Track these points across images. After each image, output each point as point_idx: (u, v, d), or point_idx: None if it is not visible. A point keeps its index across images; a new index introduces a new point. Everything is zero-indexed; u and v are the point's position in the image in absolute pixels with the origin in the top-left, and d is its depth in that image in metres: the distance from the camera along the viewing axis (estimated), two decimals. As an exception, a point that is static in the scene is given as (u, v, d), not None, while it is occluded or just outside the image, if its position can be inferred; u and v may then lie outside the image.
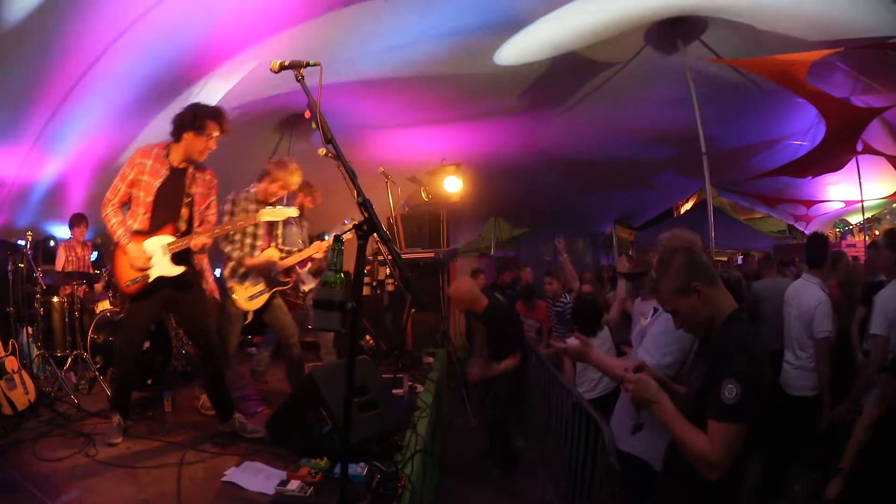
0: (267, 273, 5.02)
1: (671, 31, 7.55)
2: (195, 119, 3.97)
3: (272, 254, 5.05)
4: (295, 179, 5.05)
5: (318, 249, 5.37)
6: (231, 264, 4.92)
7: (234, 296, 4.91)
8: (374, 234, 2.20)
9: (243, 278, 4.95)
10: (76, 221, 7.61)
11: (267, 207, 4.49)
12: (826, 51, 7.26)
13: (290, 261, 5.19)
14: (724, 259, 16.48)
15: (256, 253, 4.98)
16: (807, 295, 4.83)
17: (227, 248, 4.85)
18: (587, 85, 8.46)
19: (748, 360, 2.20)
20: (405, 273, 2.25)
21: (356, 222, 2.19)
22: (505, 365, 5.38)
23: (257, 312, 5.07)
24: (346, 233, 2.36)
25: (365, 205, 2.14)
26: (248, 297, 4.96)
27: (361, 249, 2.13)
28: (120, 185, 4.00)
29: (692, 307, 2.40)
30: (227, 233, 4.49)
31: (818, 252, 5.09)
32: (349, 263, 2.38)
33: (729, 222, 16.65)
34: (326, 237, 6.00)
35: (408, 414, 4.23)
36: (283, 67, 2.53)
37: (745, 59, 7.85)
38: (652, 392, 2.42)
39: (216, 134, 4.03)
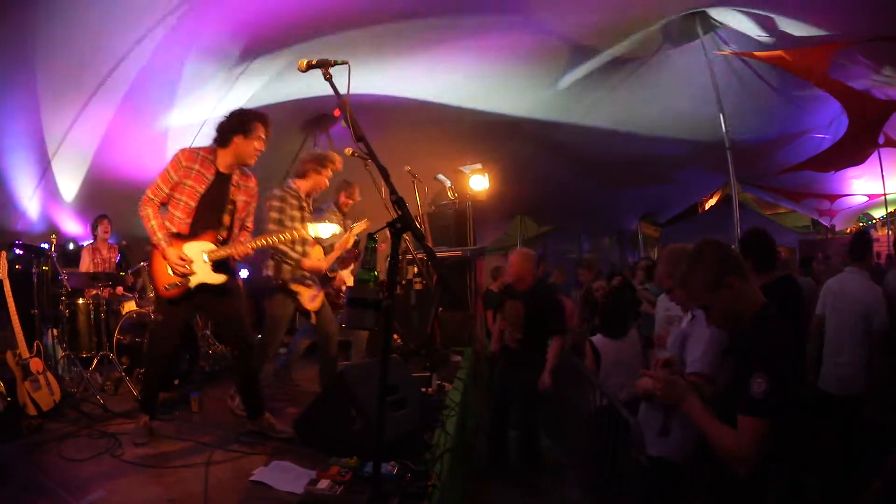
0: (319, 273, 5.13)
1: (690, 26, 7.48)
2: (243, 122, 3.95)
3: (319, 253, 5.14)
4: (329, 173, 5.15)
5: (346, 243, 5.40)
6: (287, 268, 4.96)
7: (300, 299, 4.98)
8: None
9: (303, 280, 5.01)
10: (99, 220, 7.63)
11: (314, 224, 4.49)
12: (846, 42, 7.17)
13: (328, 261, 5.25)
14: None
15: (308, 250, 5.04)
16: (858, 286, 4.79)
17: (283, 248, 4.83)
18: (610, 81, 8.40)
19: (777, 354, 2.19)
20: (440, 269, 2.23)
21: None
22: (551, 361, 5.46)
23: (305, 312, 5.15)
24: (379, 231, 2.35)
25: (398, 202, 2.12)
26: (310, 297, 5.03)
27: (395, 247, 2.11)
28: (163, 187, 3.97)
29: (725, 302, 2.37)
30: (270, 244, 4.48)
31: (862, 247, 5.09)
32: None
33: (754, 218, 16.48)
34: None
35: (437, 412, 4.21)
36: (310, 66, 2.51)
37: (766, 52, 7.76)
38: (681, 391, 2.40)
39: (264, 136, 4.02)
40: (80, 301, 6.28)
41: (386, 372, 2.10)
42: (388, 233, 2.15)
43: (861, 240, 5.20)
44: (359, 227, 5.59)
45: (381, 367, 2.09)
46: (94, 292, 6.28)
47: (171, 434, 4.24)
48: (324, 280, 5.21)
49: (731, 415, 2.22)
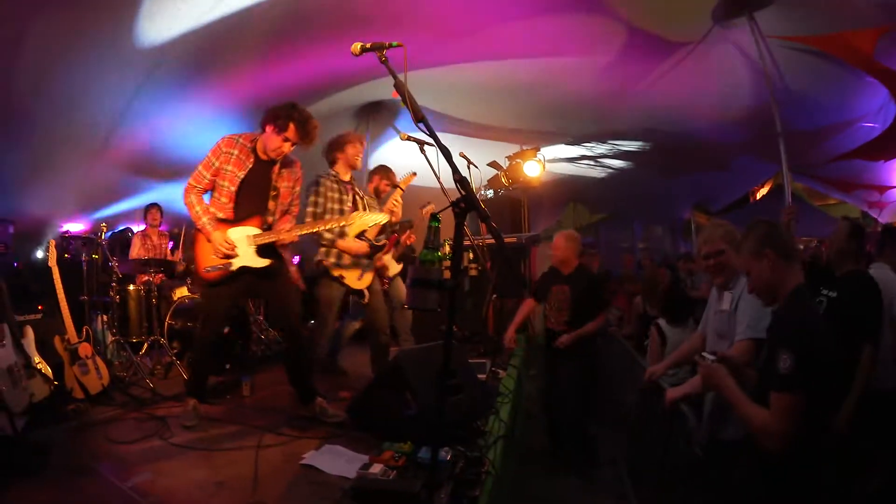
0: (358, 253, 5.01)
1: (738, 9, 7.29)
2: (281, 116, 3.94)
3: (361, 227, 4.98)
4: (352, 149, 5.12)
5: (384, 218, 5.25)
6: (323, 249, 4.92)
7: (345, 281, 4.93)
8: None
9: (343, 263, 4.95)
10: (149, 208, 7.75)
11: (358, 213, 4.45)
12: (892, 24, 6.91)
13: (372, 232, 5.11)
14: (801, 246, 15.98)
15: (346, 229, 4.92)
16: (886, 279, 4.46)
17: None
18: (661, 66, 8.22)
19: (802, 332, 2.32)
20: (506, 251, 2.19)
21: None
22: (587, 328, 5.37)
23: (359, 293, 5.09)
24: (442, 210, 2.32)
25: (461, 182, 2.09)
26: (357, 277, 4.98)
27: (460, 227, 2.08)
28: (204, 173, 4.04)
29: (761, 271, 2.55)
30: (314, 231, 4.44)
31: (884, 241, 4.96)
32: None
33: (804, 208, 16.11)
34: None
35: (491, 399, 4.17)
36: (364, 50, 2.47)
37: (813, 35, 7.53)
38: (719, 377, 2.57)
39: (292, 139, 3.99)
40: (131, 287, 6.40)
41: (449, 355, 2.07)
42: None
43: (886, 234, 5.10)
44: (407, 179, 5.40)
45: (444, 350, 2.05)
46: (145, 278, 6.38)
47: (221, 417, 4.29)
48: (373, 251, 5.07)
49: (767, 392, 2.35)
